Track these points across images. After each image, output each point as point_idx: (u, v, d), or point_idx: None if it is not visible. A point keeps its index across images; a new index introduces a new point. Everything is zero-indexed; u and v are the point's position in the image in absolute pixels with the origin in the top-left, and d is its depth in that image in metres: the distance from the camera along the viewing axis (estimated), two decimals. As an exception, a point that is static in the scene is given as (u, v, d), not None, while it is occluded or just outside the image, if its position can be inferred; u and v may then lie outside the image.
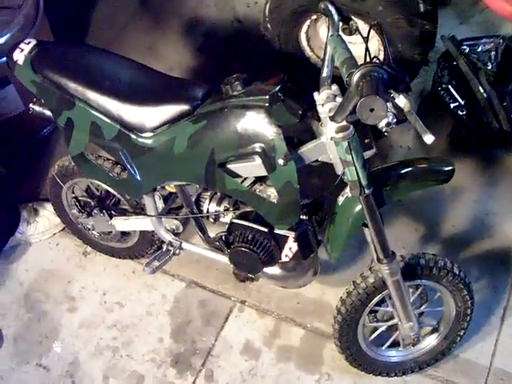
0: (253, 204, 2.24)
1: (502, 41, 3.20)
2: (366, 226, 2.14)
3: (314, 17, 3.04)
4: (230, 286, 2.95)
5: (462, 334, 2.57)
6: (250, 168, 2.10)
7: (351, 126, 1.84)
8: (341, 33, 2.05)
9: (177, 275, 3.03)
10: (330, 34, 1.99)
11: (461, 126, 3.18)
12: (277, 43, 3.19)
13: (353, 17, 2.50)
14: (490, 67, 3.15)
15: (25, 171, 3.35)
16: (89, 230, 2.92)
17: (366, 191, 1.99)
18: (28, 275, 3.10)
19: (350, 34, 2.70)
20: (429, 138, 1.69)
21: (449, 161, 2.18)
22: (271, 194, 2.17)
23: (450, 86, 3.16)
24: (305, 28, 3.13)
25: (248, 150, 2.05)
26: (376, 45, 2.99)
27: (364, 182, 1.97)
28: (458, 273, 2.36)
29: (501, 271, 2.89)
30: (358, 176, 1.95)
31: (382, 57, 2.90)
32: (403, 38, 2.87)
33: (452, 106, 3.14)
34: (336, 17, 2.06)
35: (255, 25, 3.58)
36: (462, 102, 3.14)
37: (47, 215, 3.17)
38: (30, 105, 2.48)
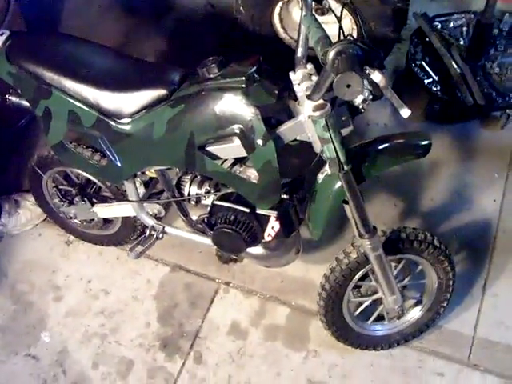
0: (233, 185, 2.25)
1: (473, 16, 3.24)
2: (346, 202, 2.15)
3: (287, -2, 3.06)
4: (214, 268, 2.98)
5: (445, 305, 2.61)
6: (230, 149, 2.12)
7: (328, 104, 1.86)
8: (314, 13, 2.05)
9: (161, 259, 3.04)
10: (303, 14, 1.99)
11: (436, 102, 3.22)
12: (250, 26, 3.20)
13: (325, -4, 2.53)
14: (462, 42, 3.21)
15: (4, 163, 3.34)
16: (71, 218, 2.93)
17: (345, 168, 2.01)
18: (12, 267, 3.11)
19: (323, 14, 2.72)
20: (405, 112, 1.70)
21: (425, 135, 2.20)
22: (251, 174, 2.19)
23: (423, 63, 3.20)
24: (277, 10, 3.15)
25: (227, 131, 2.06)
26: (349, 24, 3.02)
27: (342, 159, 1.99)
28: (438, 245, 2.40)
29: (480, 242, 2.94)
30: (337, 153, 1.97)
31: (355, 35, 2.92)
32: (375, 16, 2.89)
33: (426, 82, 3.18)
34: (308, -3, 2.07)
35: (228, 8, 3.58)
36: (436, 78, 3.18)
37: (28, 206, 3.16)
38: (7, 96, 2.47)
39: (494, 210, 3.03)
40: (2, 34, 2.37)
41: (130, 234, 2.94)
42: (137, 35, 3.87)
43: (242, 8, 3.13)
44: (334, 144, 1.95)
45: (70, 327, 2.91)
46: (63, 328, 2.92)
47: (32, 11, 3.47)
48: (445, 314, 2.67)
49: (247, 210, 2.29)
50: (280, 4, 3.11)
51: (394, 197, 3.09)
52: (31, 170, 2.85)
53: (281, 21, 3.21)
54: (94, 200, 2.78)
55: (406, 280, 2.55)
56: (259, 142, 2.00)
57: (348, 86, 1.60)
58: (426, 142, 2.17)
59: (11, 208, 3.15)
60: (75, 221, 2.97)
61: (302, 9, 2.02)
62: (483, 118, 3.27)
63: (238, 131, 2.04)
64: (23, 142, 3.43)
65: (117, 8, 4.03)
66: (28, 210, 3.17)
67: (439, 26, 3.25)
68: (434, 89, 3.16)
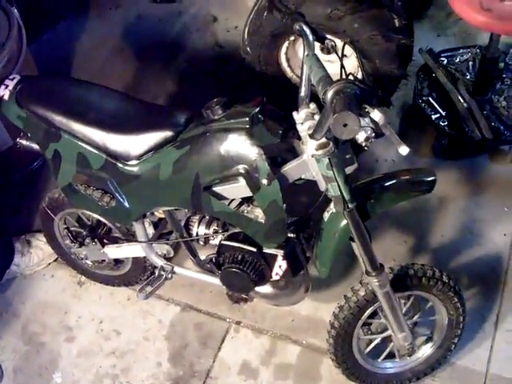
0: (240, 225, 2.27)
1: (478, 50, 3.26)
2: (352, 240, 2.16)
3: (292, 38, 3.09)
4: (225, 308, 2.97)
5: (456, 341, 2.58)
6: (235, 189, 2.13)
7: (331, 143, 1.88)
8: (319, 52, 2.07)
9: (171, 299, 3.05)
10: (305, 53, 2.03)
11: (443, 137, 3.22)
12: (257, 65, 3.23)
13: (330, 36, 2.55)
14: (468, 77, 3.22)
15: (17, 205, 3.38)
16: (82, 259, 2.95)
17: (350, 206, 2.01)
18: (24, 307, 3.12)
19: (329, 52, 2.74)
20: (404, 150, 1.72)
21: (430, 171, 2.21)
22: (258, 214, 2.20)
23: (430, 98, 3.22)
24: (284, 49, 3.18)
25: (232, 171, 2.08)
26: (355, 62, 3.04)
27: (347, 197, 1.99)
28: (447, 281, 2.38)
29: (491, 278, 2.92)
30: (341, 191, 1.98)
31: (360, 74, 2.95)
32: (381, 53, 2.91)
33: (433, 117, 3.19)
34: (311, 37, 2.10)
35: (236, 49, 3.63)
36: (443, 113, 3.19)
37: (40, 246, 3.19)
38: (18, 139, 2.51)
39: (504, 244, 3.01)
40: (13, 79, 2.42)
41: (140, 274, 2.94)
42: (147, 77, 3.92)
43: (249, 48, 3.16)
44: (338, 182, 1.96)
45: (81, 368, 2.91)
46: (75, 369, 2.92)
47: (44, 55, 3.53)
48: (457, 350, 2.64)
49: (254, 249, 2.30)
50: (286, 44, 3.14)
51: (403, 233, 3.08)
52: (43, 212, 2.87)
53: (287, 60, 3.24)
54: (105, 241, 2.80)
55: (416, 317, 2.53)
56: (264, 181, 2.01)
57: (345, 125, 1.61)
58: (431, 178, 2.17)
59: (23, 248, 3.18)
60: (87, 261, 2.98)
61: (304, 48, 2.04)
62: (491, 152, 3.27)
63: (242, 171, 2.06)
64: (36, 183, 3.46)
65: (126, 52, 4.09)
66: (40, 250, 3.19)
67: (445, 62, 3.28)
68: (442, 124, 3.17)
